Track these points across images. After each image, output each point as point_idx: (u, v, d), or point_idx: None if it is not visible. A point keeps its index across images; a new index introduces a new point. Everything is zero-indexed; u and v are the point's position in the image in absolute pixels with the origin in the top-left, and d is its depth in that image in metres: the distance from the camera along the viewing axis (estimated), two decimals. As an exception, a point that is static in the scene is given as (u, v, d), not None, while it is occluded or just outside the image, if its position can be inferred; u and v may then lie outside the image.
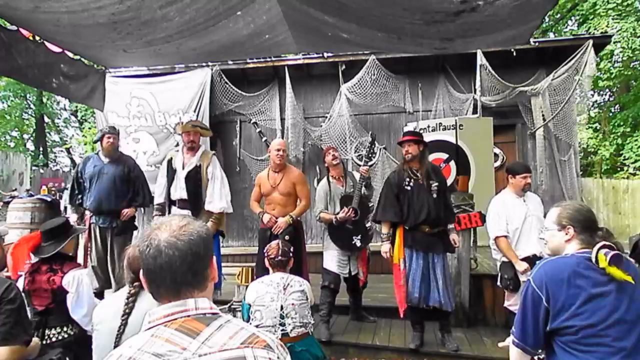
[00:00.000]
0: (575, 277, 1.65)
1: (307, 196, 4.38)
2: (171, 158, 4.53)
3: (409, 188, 3.82)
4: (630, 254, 2.37)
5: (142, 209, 5.25)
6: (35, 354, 2.20)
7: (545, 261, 1.78)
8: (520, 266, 3.63)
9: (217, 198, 4.29)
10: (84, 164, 4.62)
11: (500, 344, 1.91)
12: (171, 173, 4.41)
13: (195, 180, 4.29)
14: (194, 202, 4.31)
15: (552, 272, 1.70)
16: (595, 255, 1.64)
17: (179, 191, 4.34)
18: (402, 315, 3.91)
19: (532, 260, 3.59)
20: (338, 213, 4.20)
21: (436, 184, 3.82)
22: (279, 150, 4.24)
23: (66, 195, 7.99)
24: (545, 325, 1.67)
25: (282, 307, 2.83)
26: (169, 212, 4.39)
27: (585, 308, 1.61)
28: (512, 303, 3.76)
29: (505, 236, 3.71)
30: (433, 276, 3.79)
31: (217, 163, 4.47)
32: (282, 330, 2.80)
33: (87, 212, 4.51)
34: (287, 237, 4.06)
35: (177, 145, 4.55)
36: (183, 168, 4.37)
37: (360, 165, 4.51)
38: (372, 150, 4.39)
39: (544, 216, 3.47)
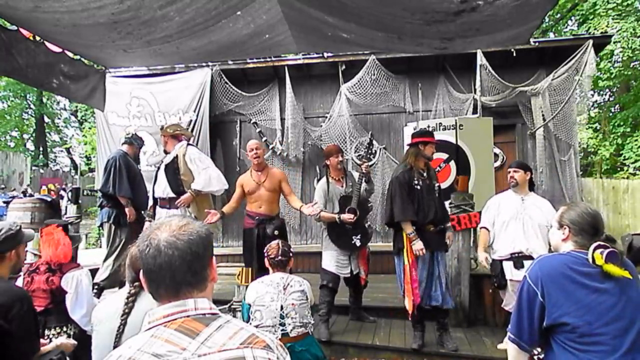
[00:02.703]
0: (571, 273, 1.66)
1: (292, 191, 4.61)
2: (161, 162, 4.71)
3: (418, 187, 3.83)
4: (627, 254, 2.37)
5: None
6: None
7: (542, 257, 1.80)
8: (480, 255, 3.92)
9: (198, 179, 4.41)
10: (129, 161, 4.83)
11: (500, 346, 1.91)
12: (156, 174, 4.61)
13: (172, 170, 4.40)
14: (175, 191, 4.41)
15: (547, 267, 1.72)
16: (591, 255, 1.65)
17: (159, 188, 4.48)
18: (410, 318, 3.88)
19: (518, 258, 3.61)
20: (339, 212, 4.21)
21: (438, 184, 3.94)
22: (252, 150, 4.32)
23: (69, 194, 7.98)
24: (541, 322, 1.68)
25: (282, 307, 2.83)
26: (154, 213, 4.55)
27: (580, 305, 1.62)
28: (506, 303, 3.77)
29: (487, 228, 3.90)
30: (437, 274, 3.81)
31: (192, 150, 4.59)
32: (282, 330, 2.79)
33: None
34: (276, 232, 4.11)
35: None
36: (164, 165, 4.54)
37: (360, 165, 4.52)
38: (370, 151, 4.43)
39: (546, 218, 3.53)
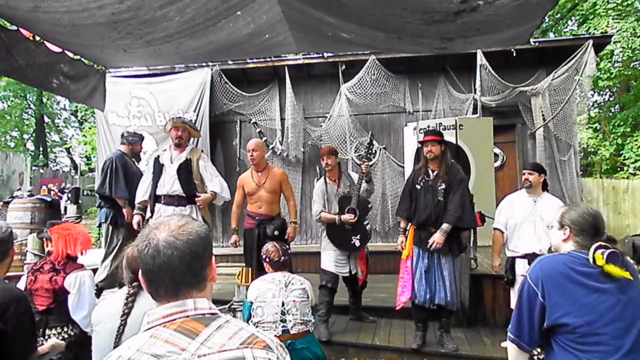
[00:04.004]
0: (571, 273, 1.66)
1: (293, 195, 4.63)
2: (158, 156, 4.57)
3: (418, 187, 3.88)
4: (632, 256, 2.37)
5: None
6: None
7: (542, 257, 1.80)
8: (495, 261, 3.93)
9: (213, 183, 4.45)
10: (127, 162, 4.87)
11: (503, 344, 1.91)
12: (158, 169, 4.45)
13: (186, 172, 4.38)
14: (187, 192, 4.37)
15: (547, 267, 1.72)
16: (592, 255, 1.64)
17: (167, 186, 4.39)
18: (397, 308, 3.98)
19: (531, 258, 3.62)
20: (339, 213, 4.22)
21: (443, 186, 3.77)
22: (249, 151, 4.34)
23: (67, 195, 7.98)
24: (542, 322, 1.68)
25: (283, 304, 2.84)
26: (153, 210, 4.42)
27: (581, 305, 1.62)
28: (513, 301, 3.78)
29: (500, 230, 3.85)
30: (439, 275, 3.80)
31: (206, 157, 4.69)
32: (282, 326, 2.80)
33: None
34: (276, 233, 4.13)
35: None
36: (172, 163, 4.42)
37: (360, 165, 4.53)
38: (370, 150, 4.44)
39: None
